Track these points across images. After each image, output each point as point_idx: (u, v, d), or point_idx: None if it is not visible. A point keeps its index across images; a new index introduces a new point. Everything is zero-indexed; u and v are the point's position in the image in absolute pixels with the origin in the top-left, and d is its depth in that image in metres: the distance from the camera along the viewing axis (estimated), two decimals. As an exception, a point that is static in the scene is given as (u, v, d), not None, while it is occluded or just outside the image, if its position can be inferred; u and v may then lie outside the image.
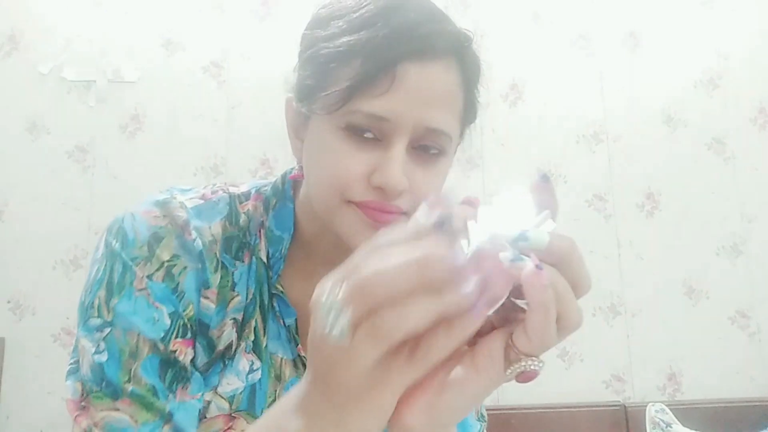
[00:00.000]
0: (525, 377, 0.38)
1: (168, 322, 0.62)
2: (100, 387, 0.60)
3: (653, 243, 2.44)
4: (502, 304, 0.37)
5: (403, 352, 0.36)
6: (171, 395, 0.61)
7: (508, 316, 0.39)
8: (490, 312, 0.37)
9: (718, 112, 2.56)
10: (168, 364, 0.62)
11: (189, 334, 0.64)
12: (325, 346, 0.36)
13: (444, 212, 0.37)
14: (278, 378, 0.70)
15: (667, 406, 2.16)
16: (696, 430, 2.09)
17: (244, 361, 0.67)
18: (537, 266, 0.36)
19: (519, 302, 0.38)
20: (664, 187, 2.49)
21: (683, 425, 2.10)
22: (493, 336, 0.39)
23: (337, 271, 0.37)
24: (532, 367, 0.38)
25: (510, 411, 2.11)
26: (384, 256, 0.35)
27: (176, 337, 0.63)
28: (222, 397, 0.66)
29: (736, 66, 2.58)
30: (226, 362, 0.67)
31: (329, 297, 0.36)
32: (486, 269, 0.37)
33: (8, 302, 2.22)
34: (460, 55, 0.64)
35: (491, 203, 0.41)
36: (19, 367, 2.17)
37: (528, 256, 0.36)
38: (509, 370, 0.38)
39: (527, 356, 0.37)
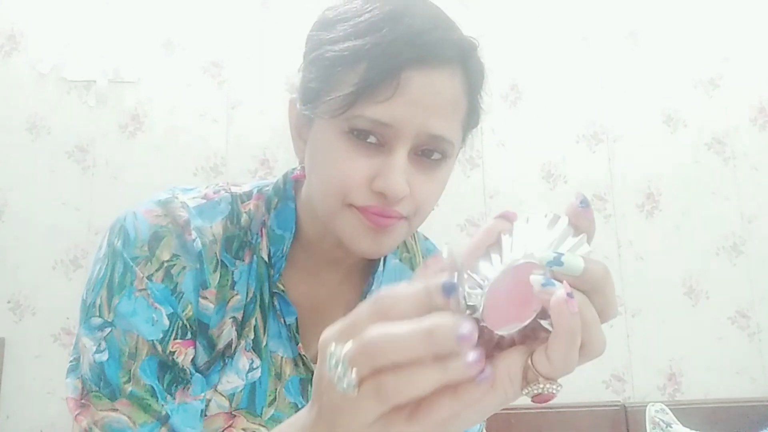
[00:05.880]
0: (541, 399, 0.38)
1: (167, 323, 0.63)
2: (98, 387, 0.60)
3: (653, 243, 2.44)
4: (527, 324, 0.37)
5: (406, 409, 0.37)
6: (169, 397, 0.62)
7: (530, 334, 0.39)
8: (515, 331, 0.37)
9: (718, 112, 2.56)
10: (166, 366, 0.62)
11: (189, 335, 0.64)
12: (332, 393, 0.38)
13: (452, 277, 0.37)
14: (278, 376, 0.70)
15: (667, 406, 2.16)
16: (696, 430, 2.09)
17: (244, 360, 0.68)
18: (568, 294, 0.35)
19: (543, 323, 0.38)
20: (664, 187, 2.49)
21: (683, 425, 2.10)
22: (513, 353, 0.38)
23: (343, 322, 0.38)
24: (549, 390, 0.37)
25: (510, 411, 2.11)
26: (391, 319, 0.36)
27: (175, 338, 0.63)
28: (222, 395, 0.67)
29: (736, 66, 2.59)
30: (226, 360, 0.67)
31: (336, 350, 0.37)
32: (516, 289, 0.37)
33: (8, 302, 2.22)
34: (465, 62, 0.64)
35: (527, 220, 0.40)
36: (19, 367, 2.17)
37: (560, 280, 0.36)
38: (526, 390, 0.38)
39: (546, 378, 0.37)
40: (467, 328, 0.34)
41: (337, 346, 0.37)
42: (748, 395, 2.31)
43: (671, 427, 2.10)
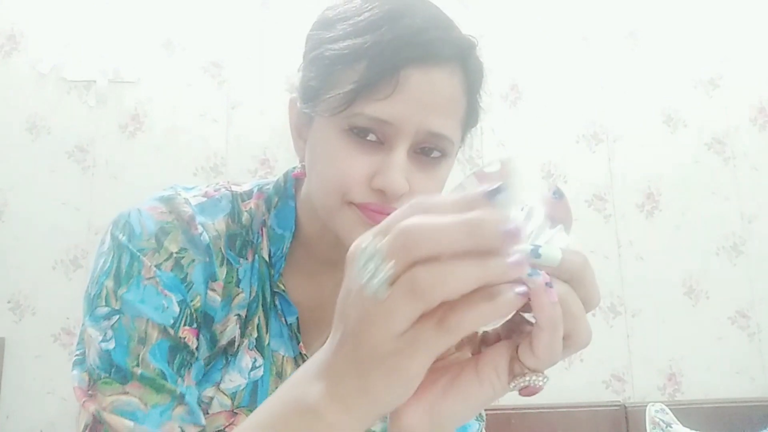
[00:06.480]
0: (528, 391, 0.38)
1: (177, 309, 0.62)
2: (108, 373, 0.59)
3: (653, 243, 2.45)
4: (510, 317, 0.37)
5: (436, 316, 0.34)
6: (180, 380, 0.61)
7: (514, 328, 0.39)
8: (499, 325, 0.37)
9: (718, 112, 2.56)
10: (177, 349, 0.62)
11: (194, 325, 0.64)
12: (359, 303, 0.35)
13: (503, 181, 0.35)
14: (280, 375, 0.70)
15: (667, 406, 2.16)
16: (696, 430, 2.09)
17: (246, 358, 0.68)
18: (547, 284, 0.35)
19: (527, 315, 0.38)
20: (664, 187, 2.49)
21: (683, 425, 2.10)
22: (499, 347, 0.39)
23: (377, 227, 0.36)
24: (536, 383, 0.38)
25: (510, 411, 2.11)
26: (432, 213, 0.34)
27: (184, 324, 0.63)
28: (224, 394, 0.67)
29: (736, 66, 2.59)
30: (229, 359, 0.67)
31: (371, 246, 0.35)
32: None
33: (8, 302, 2.22)
34: (464, 61, 0.65)
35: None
36: (19, 367, 2.17)
37: (539, 271, 0.36)
38: (513, 383, 0.38)
39: (532, 371, 0.37)
40: (514, 223, 0.33)
41: (371, 243, 0.35)
42: (748, 395, 2.31)
43: (671, 427, 2.10)
